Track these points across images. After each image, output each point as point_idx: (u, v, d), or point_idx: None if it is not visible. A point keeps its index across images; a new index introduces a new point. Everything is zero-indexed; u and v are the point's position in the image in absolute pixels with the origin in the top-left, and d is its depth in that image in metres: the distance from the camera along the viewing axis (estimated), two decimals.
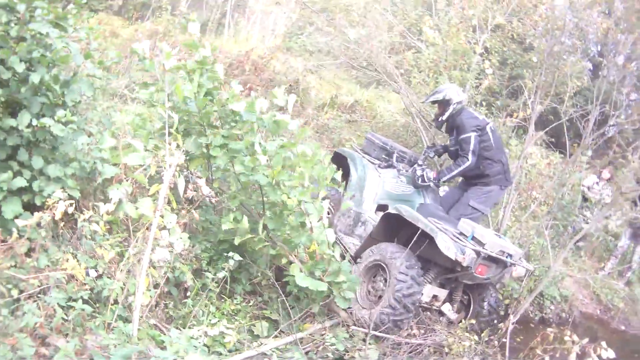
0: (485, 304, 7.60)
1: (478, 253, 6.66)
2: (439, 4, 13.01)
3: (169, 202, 4.98)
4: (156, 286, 5.13)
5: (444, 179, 8.37)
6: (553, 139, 11.43)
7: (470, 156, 8.05)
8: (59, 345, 4.09)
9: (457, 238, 6.79)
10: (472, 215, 8.03)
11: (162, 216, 4.76)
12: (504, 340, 7.03)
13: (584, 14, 10.12)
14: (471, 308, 7.73)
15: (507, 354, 6.59)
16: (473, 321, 7.23)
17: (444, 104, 8.35)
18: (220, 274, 5.77)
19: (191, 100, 5.85)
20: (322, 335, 6.37)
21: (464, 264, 6.55)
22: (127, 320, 4.79)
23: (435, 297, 7.39)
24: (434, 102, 8.77)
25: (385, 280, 6.81)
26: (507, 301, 8.27)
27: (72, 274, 4.66)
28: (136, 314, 4.49)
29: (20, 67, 5.08)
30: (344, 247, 7.73)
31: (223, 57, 13.24)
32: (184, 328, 5.24)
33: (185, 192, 6.13)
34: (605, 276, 12.16)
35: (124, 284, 4.77)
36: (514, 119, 10.69)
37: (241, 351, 5.61)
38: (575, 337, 6.30)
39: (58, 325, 4.32)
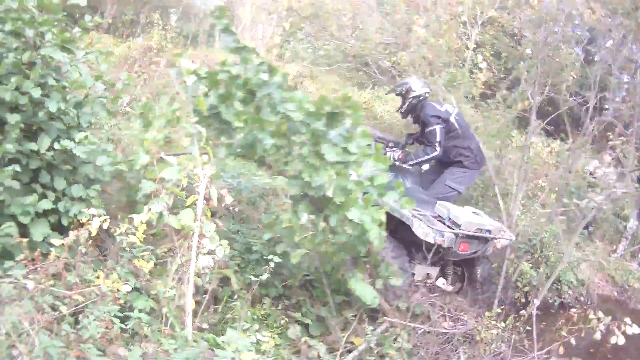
0: (479, 273, 8.06)
1: (456, 234, 7.09)
2: (427, 2, 13.07)
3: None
4: (205, 292, 5.23)
5: (410, 163, 8.69)
6: (552, 126, 11.49)
7: (437, 147, 8.49)
8: (120, 354, 4.18)
9: (434, 222, 7.27)
10: (449, 194, 8.58)
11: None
12: (528, 328, 7.12)
13: (576, 3, 10.24)
14: (465, 279, 8.26)
15: (534, 336, 6.67)
16: (499, 310, 7.40)
17: (403, 96, 8.62)
18: (263, 276, 5.82)
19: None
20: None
21: (445, 246, 7.02)
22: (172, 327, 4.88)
23: (428, 274, 7.86)
24: (396, 94, 9.18)
25: None
26: (526, 288, 8.39)
27: (114, 288, 4.71)
28: (189, 319, 4.61)
29: (37, 93, 5.20)
30: None
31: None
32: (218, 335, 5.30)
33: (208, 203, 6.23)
34: (619, 258, 12.28)
35: (170, 293, 4.84)
36: (513, 111, 10.81)
37: (278, 356, 5.71)
38: (600, 314, 6.41)
39: (117, 335, 4.40)
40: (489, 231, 7.38)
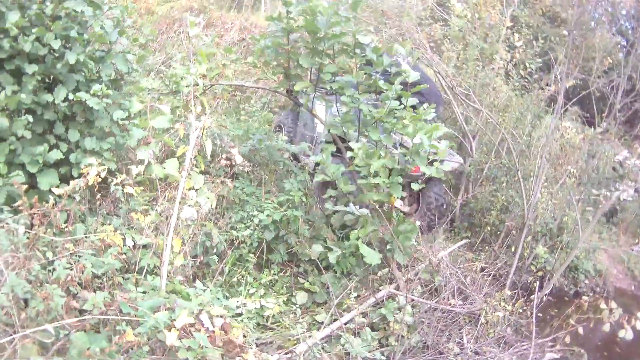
0: (432, 194, 8.80)
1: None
2: None
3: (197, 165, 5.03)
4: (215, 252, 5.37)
5: None
6: (588, 115, 11.31)
7: None
8: (87, 298, 4.15)
9: (388, 146, 7.39)
10: None
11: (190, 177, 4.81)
12: (539, 314, 7.03)
13: None
14: (421, 200, 8.93)
15: (533, 322, 6.60)
16: (509, 292, 7.35)
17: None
18: (246, 232, 5.88)
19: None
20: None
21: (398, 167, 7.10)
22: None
23: None
24: None
25: None
26: (540, 273, 8.24)
27: (109, 243, 4.68)
28: (164, 269, 4.53)
29: (56, 44, 5.18)
30: (308, 166, 8.28)
31: (258, 33, 13.14)
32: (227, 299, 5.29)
33: (219, 161, 6.24)
34: None
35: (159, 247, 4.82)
36: (546, 91, 10.66)
37: (281, 323, 5.83)
38: (613, 304, 6.28)
39: (88, 279, 4.36)
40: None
